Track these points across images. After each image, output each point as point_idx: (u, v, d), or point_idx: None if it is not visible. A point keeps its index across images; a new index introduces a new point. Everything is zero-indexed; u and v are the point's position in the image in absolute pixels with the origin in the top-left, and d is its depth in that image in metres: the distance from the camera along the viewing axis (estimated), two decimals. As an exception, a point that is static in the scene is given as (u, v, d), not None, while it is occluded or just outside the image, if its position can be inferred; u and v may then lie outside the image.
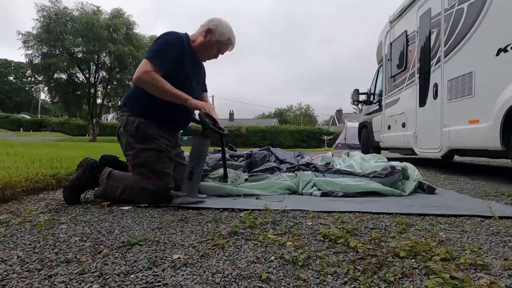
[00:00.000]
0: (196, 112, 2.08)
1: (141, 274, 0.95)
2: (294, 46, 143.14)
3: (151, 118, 2.01)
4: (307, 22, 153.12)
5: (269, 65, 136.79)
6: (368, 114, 7.09)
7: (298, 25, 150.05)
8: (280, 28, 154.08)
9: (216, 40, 2.09)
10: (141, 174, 1.93)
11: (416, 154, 4.78)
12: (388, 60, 5.83)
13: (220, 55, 2.22)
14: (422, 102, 4.46)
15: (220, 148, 3.65)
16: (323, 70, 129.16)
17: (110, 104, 25.37)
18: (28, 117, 45.58)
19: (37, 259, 1.05)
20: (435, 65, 4.10)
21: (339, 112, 51.90)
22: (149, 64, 1.90)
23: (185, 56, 2.03)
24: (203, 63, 2.31)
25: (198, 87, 2.23)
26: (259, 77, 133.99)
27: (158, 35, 2.08)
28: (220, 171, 2.61)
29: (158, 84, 1.89)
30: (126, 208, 1.81)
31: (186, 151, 2.42)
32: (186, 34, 2.11)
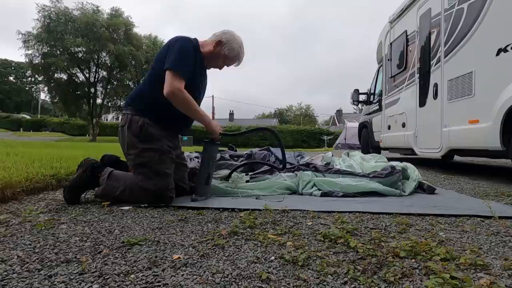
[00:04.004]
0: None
1: (141, 274, 0.95)
2: (302, 48, 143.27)
3: (155, 119, 2.01)
4: (316, 25, 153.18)
5: (275, 66, 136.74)
6: (368, 114, 7.09)
7: (307, 28, 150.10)
8: (287, 30, 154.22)
9: (224, 54, 2.11)
10: (142, 174, 1.93)
11: (416, 154, 4.78)
12: (388, 60, 5.83)
13: (225, 67, 2.24)
14: (422, 102, 4.46)
15: (219, 149, 3.66)
16: (328, 71, 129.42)
17: (110, 104, 25.39)
18: (28, 117, 45.59)
19: (37, 259, 1.05)
20: (435, 65, 4.10)
21: (339, 112, 51.96)
22: (177, 77, 1.89)
23: (196, 65, 2.04)
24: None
25: (201, 95, 2.25)
26: (265, 78, 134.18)
27: (159, 37, 2.09)
28: (221, 172, 2.61)
29: (189, 104, 1.94)
30: (126, 208, 1.81)
31: (185, 151, 2.42)
32: (196, 40, 2.11)
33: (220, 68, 2.23)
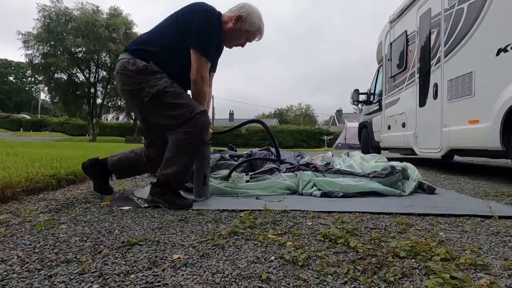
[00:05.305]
0: None
1: (141, 274, 0.95)
2: (303, 48, 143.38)
3: (162, 68, 1.91)
4: (319, 25, 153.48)
5: (275, 66, 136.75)
6: (368, 114, 7.09)
7: (309, 28, 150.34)
8: (290, 30, 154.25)
9: (245, 29, 1.99)
10: (166, 105, 1.85)
11: (416, 154, 4.78)
12: (388, 60, 5.83)
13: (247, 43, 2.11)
14: (422, 102, 4.46)
15: (219, 149, 3.67)
16: (329, 71, 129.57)
17: (110, 104, 25.40)
18: (28, 117, 45.61)
19: (37, 259, 1.05)
20: (435, 65, 4.10)
21: (339, 112, 51.98)
22: (205, 64, 1.86)
23: (217, 42, 1.98)
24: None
25: (211, 70, 2.13)
26: (266, 78, 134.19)
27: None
28: (221, 172, 2.61)
29: (205, 98, 1.94)
30: (126, 208, 1.81)
31: None
32: (220, 14, 1.98)
33: (243, 46, 2.10)
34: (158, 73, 1.88)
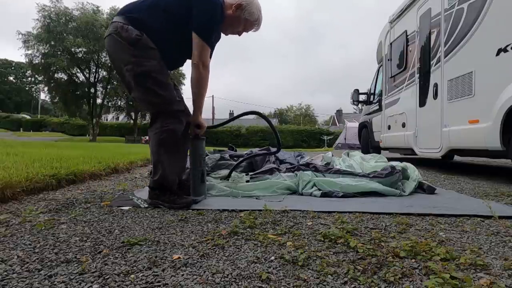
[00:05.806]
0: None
1: (141, 274, 0.95)
2: (304, 49, 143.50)
3: (154, 43, 1.85)
4: (322, 27, 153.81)
5: (275, 67, 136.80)
6: (368, 114, 7.09)
7: (312, 30, 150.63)
8: (291, 31, 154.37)
9: (244, 18, 1.99)
10: (145, 89, 1.83)
11: (416, 154, 4.78)
12: (388, 60, 5.83)
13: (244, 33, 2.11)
14: (422, 102, 4.46)
15: (219, 149, 3.67)
16: (330, 72, 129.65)
17: (110, 104, 25.42)
18: (28, 117, 45.64)
19: (37, 259, 1.05)
20: (435, 65, 4.10)
21: (339, 112, 52.01)
22: (208, 50, 1.85)
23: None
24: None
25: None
26: (267, 78, 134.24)
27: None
28: (221, 172, 2.61)
29: (204, 87, 1.92)
30: (126, 208, 1.81)
31: None
32: (222, 3, 1.95)
33: (239, 34, 2.10)
34: (151, 49, 1.83)
